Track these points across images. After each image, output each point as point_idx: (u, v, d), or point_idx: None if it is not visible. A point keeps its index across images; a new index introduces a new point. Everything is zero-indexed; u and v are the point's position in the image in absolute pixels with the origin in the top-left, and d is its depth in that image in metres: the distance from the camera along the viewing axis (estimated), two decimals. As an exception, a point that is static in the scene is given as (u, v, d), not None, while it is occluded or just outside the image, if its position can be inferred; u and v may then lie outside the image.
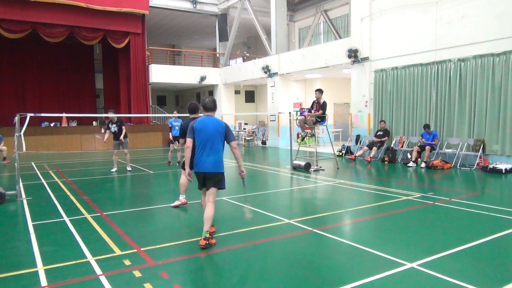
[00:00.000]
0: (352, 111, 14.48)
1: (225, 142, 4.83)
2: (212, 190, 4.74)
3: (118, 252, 4.43)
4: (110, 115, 11.08)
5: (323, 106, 10.61)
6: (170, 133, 12.30)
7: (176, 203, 6.60)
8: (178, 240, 4.85)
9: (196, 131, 4.71)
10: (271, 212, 6.16)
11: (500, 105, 9.98)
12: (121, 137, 10.91)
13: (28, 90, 21.16)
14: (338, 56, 14.56)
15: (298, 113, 10.76)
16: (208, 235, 4.55)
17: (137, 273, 3.83)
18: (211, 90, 24.57)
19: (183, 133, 5.66)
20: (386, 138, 12.49)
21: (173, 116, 12.74)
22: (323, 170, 10.57)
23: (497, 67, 9.95)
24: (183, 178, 6.39)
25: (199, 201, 7.04)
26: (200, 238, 4.54)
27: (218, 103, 23.04)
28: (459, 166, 10.58)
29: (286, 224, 5.51)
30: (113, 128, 10.99)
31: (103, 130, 12.03)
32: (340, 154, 13.84)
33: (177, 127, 11.90)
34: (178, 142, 11.33)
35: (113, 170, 10.99)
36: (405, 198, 7.03)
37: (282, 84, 18.46)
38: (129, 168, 11.24)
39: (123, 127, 11.02)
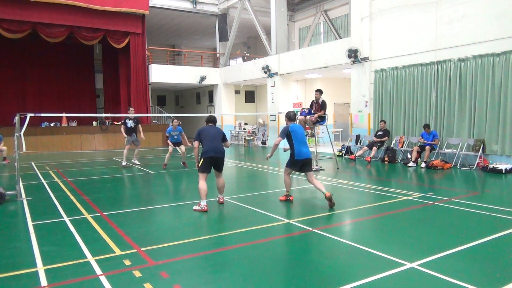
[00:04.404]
0: (352, 111, 14.48)
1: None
2: (310, 172, 6.76)
3: (118, 252, 4.43)
4: (130, 113, 12.36)
5: (322, 106, 10.61)
6: (169, 141, 11.93)
7: (197, 207, 6.35)
8: (178, 240, 4.85)
9: (293, 131, 6.64)
10: (271, 212, 6.16)
11: (500, 105, 9.98)
12: (141, 135, 11.95)
13: (28, 90, 21.15)
14: (338, 56, 14.56)
15: (298, 113, 10.73)
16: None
17: (137, 273, 3.83)
18: (211, 90, 24.57)
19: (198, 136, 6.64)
20: (386, 138, 12.49)
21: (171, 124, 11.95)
22: (323, 170, 10.57)
23: (497, 67, 9.95)
24: (202, 183, 6.32)
25: (198, 202, 7.06)
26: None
27: (218, 103, 23.24)
28: (459, 166, 10.58)
29: (286, 224, 5.51)
30: (130, 123, 11.92)
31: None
32: (340, 154, 13.84)
33: (176, 136, 11.71)
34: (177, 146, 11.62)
35: (124, 163, 11.87)
36: (405, 198, 7.03)
37: (282, 84, 18.46)
38: (137, 162, 12.36)
39: (139, 126, 12.13)
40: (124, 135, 11.93)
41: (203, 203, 6.27)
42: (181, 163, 11.85)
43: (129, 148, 12.02)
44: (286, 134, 6.67)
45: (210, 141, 6.42)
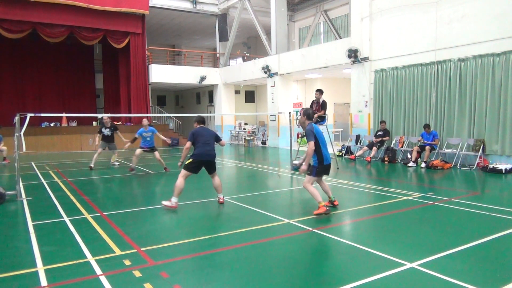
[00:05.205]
0: (352, 111, 14.48)
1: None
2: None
3: (118, 252, 4.42)
4: (105, 118, 11.79)
5: (323, 106, 10.61)
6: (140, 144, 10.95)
7: (167, 203, 6.33)
8: (178, 240, 4.85)
9: (318, 133, 5.91)
10: (271, 212, 6.15)
11: (500, 105, 9.98)
12: (122, 138, 11.55)
13: (28, 90, 21.14)
14: (338, 56, 14.56)
15: (299, 113, 10.71)
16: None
17: (137, 273, 3.83)
18: (211, 90, 24.57)
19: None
20: (387, 138, 12.48)
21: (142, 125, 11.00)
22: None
23: (497, 67, 9.95)
24: (181, 181, 6.36)
25: (198, 202, 7.06)
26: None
27: (218, 103, 23.24)
28: (459, 166, 10.58)
29: (286, 224, 5.51)
30: (106, 132, 11.61)
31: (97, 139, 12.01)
32: (340, 154, 13.84)
33: (148, 138, 10.63)
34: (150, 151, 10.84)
35: (92, 165, 11.53)
36: (405, 198, 7.03)
37: (282, 84, 18.46)
38: (116, 163, 12.22)
39: (118, 132, 11.84)
40: (97, 143, 11.75)
41: (174, 200, 6.29)
42: (163, 169, 10.77)
43: (100, 153, 11.70)
44: (314, 136, 5.86)
45: (204, 145, 6.47)
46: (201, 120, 6.85)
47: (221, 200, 6.75)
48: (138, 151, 10.70)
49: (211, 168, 6.67)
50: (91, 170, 11.22)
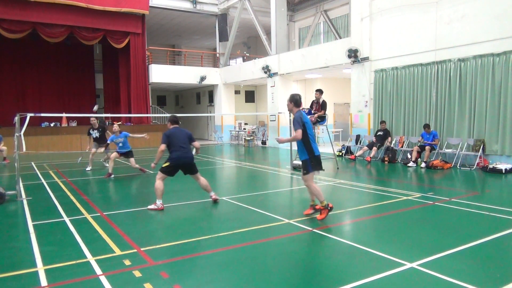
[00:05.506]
0: (352, 111, 14.48)
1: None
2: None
3: (118, 252, 4.43)
4: (92, 120, 11.41)
5: (323, 106, 10.61)
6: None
7: (152, 206, 6.40)
8: (178, 240, 4.85)
9: (307, 123, 5.49)
10: (271, 212, 6.15)
11: (500, 105, 9.98)
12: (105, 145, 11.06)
13: (28, 90, 21.16)
14: (338, 56, 14.56)
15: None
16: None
17: (137, 273, 3.83)
18: (211, 90, 24.57)
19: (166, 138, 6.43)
20: (389, 138, 12.48)
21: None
22: (323, 170, 10.50)
23: (497, 67, 9.95)
24: (159, 183, 6.38)
25: (198, 202, 7.06)
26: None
27: (218, 103, 23.25)
28: (459, 166, 10.58)
29: (286, 224, 5.51)
30: (94, 134, 11.31)
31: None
32: (340, 154, 13.84)
33: (121, 144, 10.19)
34: (125, 156, 10.43)
35: (88, 169, 11.31)
36: (405, 198, 7.03)
37: (282, 84, 18.46)
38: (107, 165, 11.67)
39: (108, 132, 11.40)
40: (88, 146, 11.53)
41: (159, 202, 6.33)
42: (139, 169, 10.50)
43: (95, 153, 11.34)
44: (302, 125, 5.41)
45: (179, 147, 6.35)
46: (175, 120, 6.68)
47: (213, 197, 6.70)
48: (114, 154, 10.22)
49: (190, 170, 6.62)
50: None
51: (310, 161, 5.50)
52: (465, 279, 3.54)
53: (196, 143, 6.75)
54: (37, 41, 19.53)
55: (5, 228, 5.62)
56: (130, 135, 10.57)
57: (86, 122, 20.83)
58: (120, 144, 10.20)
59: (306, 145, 5.48)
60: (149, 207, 6.40)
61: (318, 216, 5.47)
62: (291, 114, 5.84)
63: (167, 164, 6.42)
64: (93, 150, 11.40)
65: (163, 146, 6.35)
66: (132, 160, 10.33)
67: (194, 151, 6.80)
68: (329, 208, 5.52)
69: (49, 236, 5.13)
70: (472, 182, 8.90)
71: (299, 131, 5.34)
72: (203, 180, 6.70)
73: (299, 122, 5.38)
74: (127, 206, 6.87)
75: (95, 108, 18.72)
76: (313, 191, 5.60)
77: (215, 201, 6.71)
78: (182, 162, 6.42)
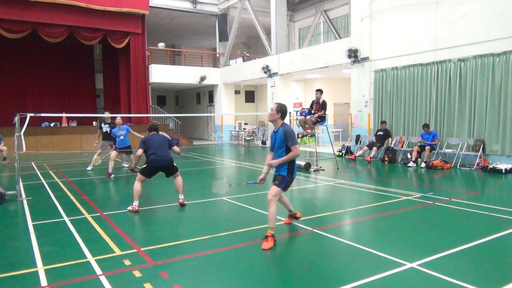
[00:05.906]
0: (352, 111, 14.48)
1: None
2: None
3: (118, 252, 4.43)
4: (106, 115, 11.19)
5: (323, 106, 10.61)
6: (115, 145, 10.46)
7: (130, 208, 6.42)
8: (178, 240, 4.85)
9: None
10: (271, 212, 6.13)
11: (500, 105, 9.98)
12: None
13: (28, 90, 21.16)
14: (338, 56, 14.56)
15: (298, 113, 10.70)
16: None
17: (137, 273, 3.83)
18: (211, 90, 24.57)
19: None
20: (390, 138, 12.48)
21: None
22: (323, 170, 10.56)
23: (497, 67, 9.95)
24: (137, 184, 6.43)
25: (198, 202, 7.06)
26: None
27: (218, 103, 23.25)
28: (459, 166, 10.58)
29: (286, 224, 5.50)
30: (105, 128, 10.96)
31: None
32: (340, 154, 13.83)
33: (122, 137, 10.23)
34: (126, 153, 10.55)
35: (89, 168, 11.23)
36: (405, 198, 7.03)
37: (282, 84, 18.46)
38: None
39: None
40: (96, 141, 11.08)
41: (135, 203, 6.38)
42: (129, 170, 10.53)
43: (100, 153, 10.81)
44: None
45: (156, 150, 6.45)
46: (154, 128, 6.84)
47: (181, 200, 6.64)
48: (113, 154, 10.21)
49: (169, 172, 6.71)
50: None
51: (288, 180, 4.90)
52: (465, 279, 3.54)
53: (176, 148, 6.90)
54: (37, 41, 19.53)
55: (5, 228, 5.61)
56: (131, 130, 10.71)
57: (86, 122, 20.89)
58: (121, 137, 10.26)
59: (291, 163, 4.82)
60: (128, 208, 6.44)
61: (262, 244, 4.49)
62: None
63: (144, 166, 6.56)
64: (99, 150, 10.99)
65: (140, 151, 6.53)
66: (132, 157, 10.41)
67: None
68: (273, 237, 4.58)
69: (49, 236, 5.13)
70: (472, 182, 8.89)
71: (298, 147, 4.74)
72: (179, 180, 6.74)
73: (294, 138, 4.74)
74: (127, 206, 6.86)
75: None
76: (269, 210, 4.72)
77: (182, 205, 6.62)
78: (158, 164, 6.52)
